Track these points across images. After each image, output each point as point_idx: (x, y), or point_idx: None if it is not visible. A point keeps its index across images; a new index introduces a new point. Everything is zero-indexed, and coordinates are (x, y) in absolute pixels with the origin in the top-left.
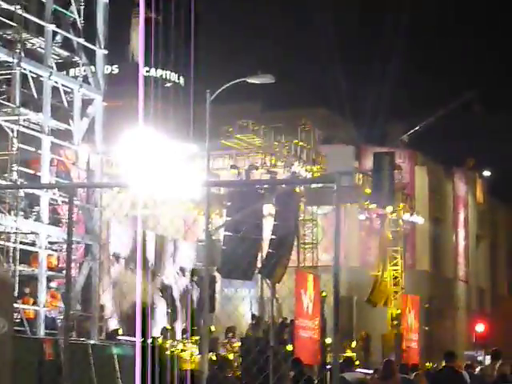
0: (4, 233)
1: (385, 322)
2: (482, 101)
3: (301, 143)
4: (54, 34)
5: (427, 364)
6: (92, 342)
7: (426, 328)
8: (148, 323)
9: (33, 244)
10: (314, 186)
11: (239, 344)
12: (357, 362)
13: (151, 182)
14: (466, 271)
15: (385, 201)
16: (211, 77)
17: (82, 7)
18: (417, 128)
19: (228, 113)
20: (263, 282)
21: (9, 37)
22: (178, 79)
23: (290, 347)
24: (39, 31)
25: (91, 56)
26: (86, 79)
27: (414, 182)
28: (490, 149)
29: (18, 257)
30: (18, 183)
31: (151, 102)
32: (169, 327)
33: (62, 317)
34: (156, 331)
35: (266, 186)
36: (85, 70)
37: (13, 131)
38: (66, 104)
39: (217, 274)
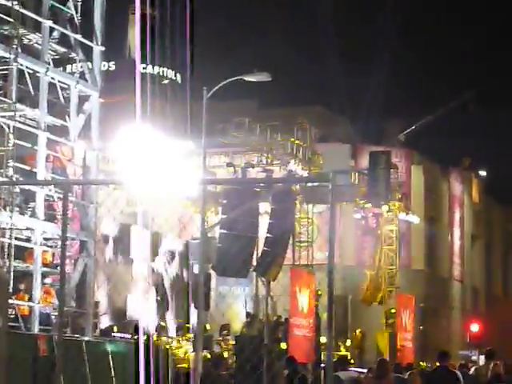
0: None
1: (379, 321)
2: (478, 101)
3: (297, 141)
4: (51, 29)
5: (421, 363)
6: (86, 338)
7: (421, 327)
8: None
9: (28, 240)
10: (309, 184)
11: (233, 342)
12: (351, 361)
13: (147, 179)
14: (461, 271)
15: (380, 200)
16: (208, 74)
17: (79, 3)
18: (413, 127)
19: (225, 110)
20: (258, 280)
21: (6, 32)
22: (175, 76)
23: (284, 345)
24: (36, 27)
25: (88, 52)
26: (82, 75)
27: (410, 181)
28: (486, 149)
29: (12, 253)
30: (14, 179)
31: (148, 99)
32: (163, 324)
33: (56, 313)
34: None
35: (261, 184)
36: (81, 67)
37: (9, 127)
38: (62, 100)
39: (212, 272)
